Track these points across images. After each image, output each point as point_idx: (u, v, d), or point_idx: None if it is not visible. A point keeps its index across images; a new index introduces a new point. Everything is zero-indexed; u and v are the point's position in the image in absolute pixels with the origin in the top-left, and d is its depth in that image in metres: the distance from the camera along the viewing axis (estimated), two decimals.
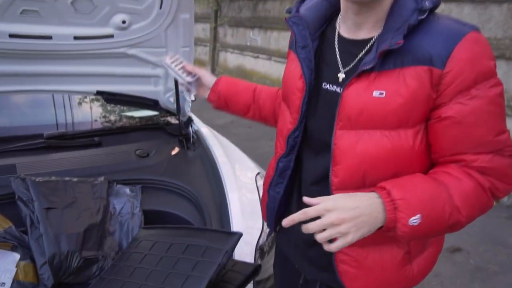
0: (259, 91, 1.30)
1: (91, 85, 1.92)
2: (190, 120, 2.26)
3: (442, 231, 0.86)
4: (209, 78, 1.33)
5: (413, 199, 0.78)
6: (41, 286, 1.32)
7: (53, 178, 1.54)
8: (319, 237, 0.76)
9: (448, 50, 0.77)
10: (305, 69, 0.94)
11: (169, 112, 2.23)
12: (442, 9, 4.04)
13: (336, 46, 0.94)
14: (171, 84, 2.05)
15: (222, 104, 1.31)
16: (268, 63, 6.99)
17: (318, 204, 0.77)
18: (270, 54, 6.91)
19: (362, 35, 0.89)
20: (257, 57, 7.32)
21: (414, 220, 0.77)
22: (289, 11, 1.01)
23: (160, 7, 1.69)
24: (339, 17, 0.95)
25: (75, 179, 1.57)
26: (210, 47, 8.88)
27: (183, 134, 2.17)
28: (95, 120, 2.21)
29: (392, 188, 0.79)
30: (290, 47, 1.05)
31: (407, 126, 0.83)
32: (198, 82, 1.35)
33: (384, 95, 0.81)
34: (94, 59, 1.80)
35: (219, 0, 8.21)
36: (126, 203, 1.60)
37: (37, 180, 1.49)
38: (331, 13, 0.98)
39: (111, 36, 1.72)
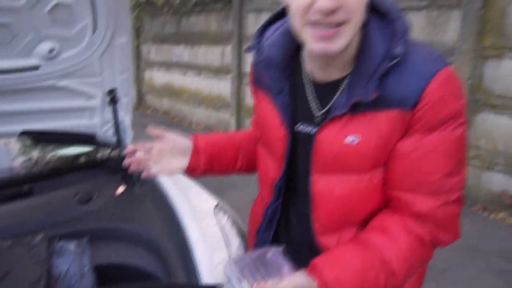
0: (240, 138, 1.15)
1: (15, 124, 1.65)
2: None
3: None
4: (183, 141, 1.06)
5: (346, 278, 0.77)
6: None
7: None
8: None
9: (419, 92, 0.75)
10: (285, 115, 0.90)
11: (108, 146, 2.00)
12: None
13: (307, 88, 0.89)
14: (108, 115, 1.84)
15: (206, 167, 1.07)
16: (198, 79, 6.83)
17: None
18: (199, 69, 6.75)
19: (331, 76, 0.84)
20: (185, 73, 7.13)
21: None
22: (249, 50, 0.94)
23: (94, 32, 1.49)
24: (305, 53, 0.89)
25: (6, 243, 1.30)
26: (133, 65, 8.51)
27: (126, 169, 1.95)
28: (22, 165, 1.91)
29: (324, 267, 0.78)
30: (257, 83, 1.00)
31: (380, 166, 0.83)
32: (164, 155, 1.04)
33: (358, 140, 0.80)
34: (18, 95, 1.55)
35: (141, 16, 7.89)
36: (72, 262, 1.35)
37: None
38: (296, 47, 0.90)
39: (37, 67, 1.49)
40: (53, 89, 1.60)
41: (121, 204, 1.73)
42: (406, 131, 0.79)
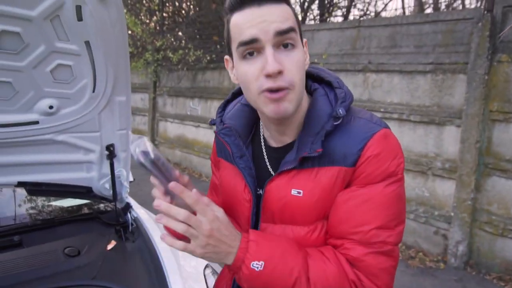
0: None
1: (12, 176, 1.68)
2: (128, 207, 2.05)
3: None
4: None
5: (265, 247, 0.83)
6: None
7: None
8: (178, 227, 0.79)
9: (359, 150, 0.83)
10: (248, 178, 0.95)
11: (104, 199, 2.01)
12: (374, 79, 4.29)
13: (265, 153, 0.97)
14: (106, 169, 1.87)
15: None
16: (210, 132, 6.94)
17: (206, 210, 0.81)
18: None
19: (285, 140, 0.94)
20: (198, 126, 7.26)
21: (257, 265, 0.81)
22: (213, 123, 1.04)
23: (93, 91, 1.55)
24: (261, 123, 0.99)
25: None
26: (149, 116, 8.72)
27: (120, 223, 1.95)
28: (15, 215, 1.92)
29: (253, 232, 0.86)
30: (219, 155, 1.08)
31: (323, 218, 0.89)
32: None
33: (301, 194, 0.87)
34: (16, 148, 1.59)
35: (157, 71, 8.22)
36: None
37: None
38: (255, 118, 1.01)
39: (36, 122, 1.54)
40: (52, 143, 1.64)
41: (109, 260, 1.71)
42: (346, 185, 0.86)
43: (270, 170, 0.96)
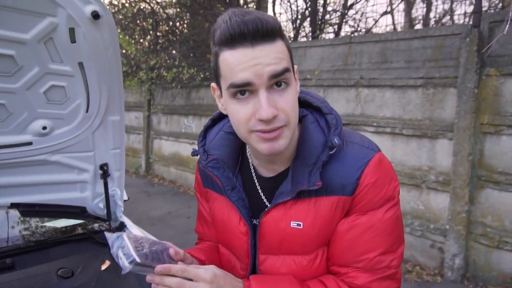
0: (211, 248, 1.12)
1: (5, 197, 1.67)
2: (122, 226, 2.04)
3: None
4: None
5: None
6: None
7: None
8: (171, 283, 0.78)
9: (356, 179, 0.83)
10: (242, 210, 0.92)
11: (99, 219, 2.00)
12: (366, 93, 4.34)
13: (256, 183, 0.95)
14: (100, 189, 1.86)
15: None
16: None
17: (200, 271, 0.80)
18: None
19: (277, 169, 0.92)
20: (193, 143, 7.27)
21: None
22: (195, 154, 0.99)
23: (87, 111, 1.56)
24: (248, 149, 0.96)
25: None
26: (143, 135, 8.72)
27: None
28: (7, 237, 1.90)
29: (253, 279, 0.85)
30: (206, 187, 1.04)
31: (324, 246, 0.89)
32: None
33: (301, 226, 0.86)
34: (9, 169, 1.59)
35: (152, 89, 8.26)
36: None
37: None
38: (240, 145, 0.97)
39: (30, 143, 1.54)
40: (45, 163, 1.64)
41: (103, 281, 1.69)
42: (346, 213, 0.86)
43: (264, 199, 0.93)
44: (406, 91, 4.05)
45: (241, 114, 0.78)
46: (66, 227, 2.08)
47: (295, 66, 0.85)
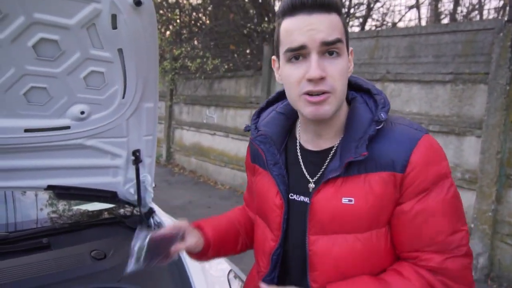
0: (239, 221, 1.22)
1: (42, 179, 1.72)
2: (151, 212, 2.08)
3: None
4: (192, 232, 1.09)
5: None
6: None
7: None
8: None
9: (407, 155, 0.84)
10: (281, 185, 0.96)
11: (129, 204, 2.04)
12: (392, 88, 4.28)
13: (300, 158, 0.98)
14: (131, 174, 1.90)
15: (213, 253, 1.13)
16: (226, 140, 6.99)
17: None
18: (227, 131, 6.93)
19: (323, 145, 0.94)
20: (214, 134, 7.32)
21: None
22: (248, 129, 1.06)
23: (123, 97, 1.58)
24: (298, 128, 1.01)
25: None
26: (165, 124, 8.82)
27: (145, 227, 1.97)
28: (43, 218, 1.96)
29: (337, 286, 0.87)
30: (253, 161, 1.10)
31: (378, 227, 0.88)
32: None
33: (353, 201, 0.86)
34: (47, 152, 1.63)
35: (175, 79, 8.32)
36: None
37: None
38: (289, 125, 1.04)
39: (68, 127, 1.58)
40: (81, 147, 1.68)
41: None
42: (400, 193, 0.86)
43: (307, 175, 0.96)
44: (433, 86, 3.98)
45: (294, 76, 0.85)
46: (99, 210, 2.13)
47: (350, 48, 0.90)
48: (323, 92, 0.83)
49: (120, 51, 1.43)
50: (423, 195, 0.85)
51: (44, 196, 2.09)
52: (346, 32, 0.88)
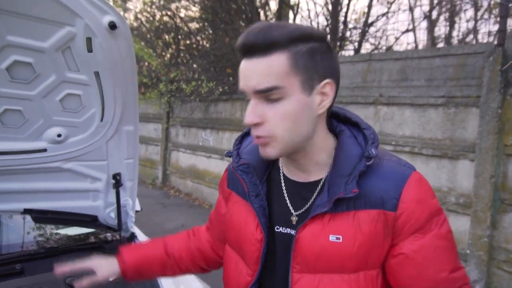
0: (171, 246, 1.22)
1: (18, 203, 1.69)
2: (133, 236, 2.03)
3: None
4: (105, 262, 1.23)
5: None
6: None
7: None
8: None
9: (397, 193, 0.81)
10: (262, 218, 0.92)
11: (109, 228, 1.99)
12: (385, 111, 4.28)
13: (284, 189, 0.94)
14: (112, 198, 1.86)
15: (134, 276, 1.21)
16: (221, 163, 6.95)
17: None
18: (222, 154, 6.90)
19: (309, 177, 0.90)
20: (210, 157, 7.29)
21: None
22: (229, 155, 1.02)
23: (101, 120, 1.57)
24: (280, 158, 0.97)
25: None
26: (162, 146, 8.81)
27: None
28: (18, 243, 1.91)
29: None
30: (230, 187, 1.06)
31: (366, 269, 0.83)
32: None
33: (341, 239, 0.82)
34: (23, 175, 1.60)
35: (171, 102, 8.36)
36: None
37: None
38: None
39: (44, 150, 1.56)
40: (59, 170, 1.65)
41: None
42: (394, 232, 0.82)
43: (290, 207, 0.92)
44: (426, 109, 3.97)
45: None
46: (78, 235, 2.09)
47: (325, 81, 0.81)
48: (261, 137, 0.82)
49: (96, 74, 1.42)
50: (420, 233, 0.81)
51: (20, 220, 2.04)
52: (306, 67, 0.78)
